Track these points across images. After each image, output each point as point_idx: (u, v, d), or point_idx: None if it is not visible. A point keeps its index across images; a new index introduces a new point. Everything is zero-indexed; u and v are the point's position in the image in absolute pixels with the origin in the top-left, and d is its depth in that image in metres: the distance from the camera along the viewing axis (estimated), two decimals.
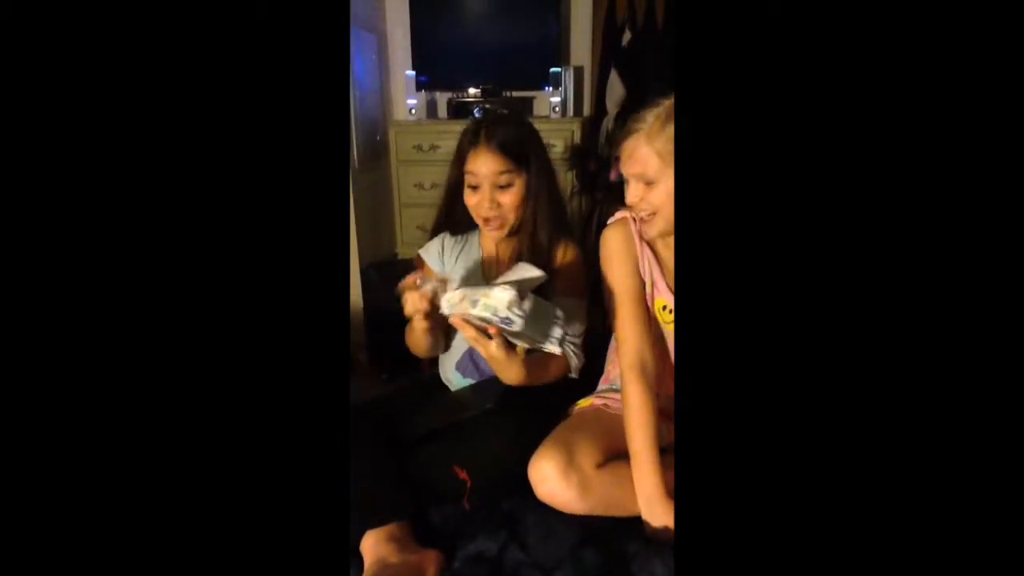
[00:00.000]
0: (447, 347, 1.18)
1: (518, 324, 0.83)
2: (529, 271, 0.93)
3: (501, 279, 0.90)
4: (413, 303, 0.97)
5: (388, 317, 1.27)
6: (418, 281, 0.96)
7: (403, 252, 2.32)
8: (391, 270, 2.13)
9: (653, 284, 1.05)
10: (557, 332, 0.85)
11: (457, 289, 0.91)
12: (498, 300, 0.84)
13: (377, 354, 2.11)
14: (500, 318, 0.84)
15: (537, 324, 0.84)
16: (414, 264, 1.26)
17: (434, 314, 0.98)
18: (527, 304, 0.84)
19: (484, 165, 1.08)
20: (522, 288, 0.85)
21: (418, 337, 1.10)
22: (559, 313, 0.86)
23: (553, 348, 0.85)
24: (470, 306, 0.86)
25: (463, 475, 0.94)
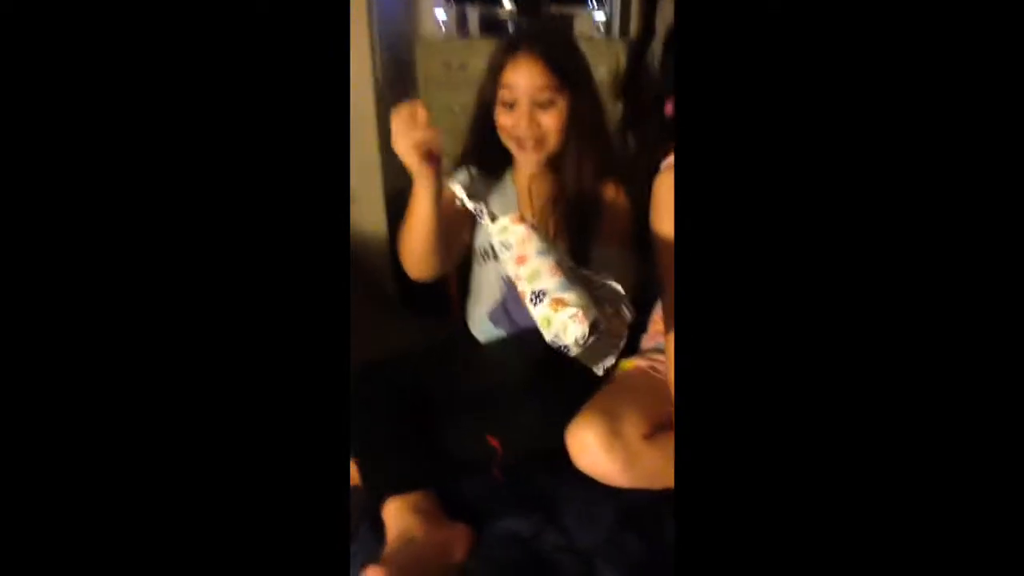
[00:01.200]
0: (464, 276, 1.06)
1: (574, 353, 0.70)
2: (611, 282, 0.77)
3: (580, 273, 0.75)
4: (412, 135, 0.73)
5: None
6: (467, 202, 0.78)
7: None
8: None
9: None
10: (610, 361, 0.73)
11: (521, 224, 0.75)
12: (564, 327, 0.68)
13: (405, 287, 2.03)
14: (558, 343, 0.69)
15: (593, 354, 0.72)
16: None
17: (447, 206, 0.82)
18: (593, 339, 0.68)
19: (524, 77, 0.94)
20: (597, 311, 0.70)
21: (419, 225, 0.84)
22: (620, 345, 0.74)
23: (597, 371, 0.74)
24: (527, 279, 0.72)
25: (495, 443, 0.86)
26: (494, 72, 0.97)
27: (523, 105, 0.95)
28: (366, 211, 1.97)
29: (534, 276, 0.73)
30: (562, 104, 0.96)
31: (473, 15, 2.20)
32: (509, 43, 0.97)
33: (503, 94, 0.96)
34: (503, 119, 0.98)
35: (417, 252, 0.90)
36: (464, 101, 1.96)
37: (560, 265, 0.74)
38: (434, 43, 2.06)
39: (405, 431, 0.88)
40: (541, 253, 0.74)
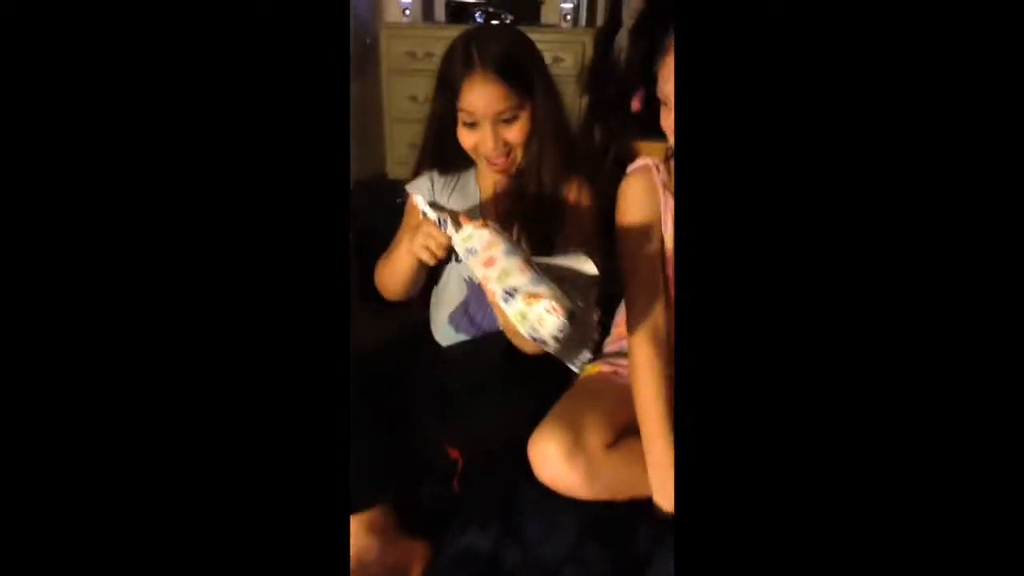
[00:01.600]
0: (430, 287, 1.04)
1: (551, 348, 0.69)
2: (582, 264, 0.76)
3: (546, 261, 0.73)
4: (428, 242, 0.80)
5: (377, 242, 1.14)
6: (430, 213, 0.79)
7: (393, 171, 2.14)
8: (380, 190, 1.97)
9: None
10: (586, 356, 0.72)
11: (485, 229, 0.75)
12: (540, 320, 0.66)
13: (366, 281, 1.98)
14: (536, 337, 0.68)
15: (571, 348, 0.70)
16: (404, 192, 1.10)
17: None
18: (570, 329, 0.67)
19: (483, 100, 0.88)
20: (571, 297, 0.69)
21: (403, 275, 0.94)
22: (595, 336, 0.72)
23: (575, 368, 0.72)
24: (497, 279, 0.70)
25: (455, 454, 0.83)
26: (449, 91, 0.91)
27: (485, 124, 0.90)
28: None
29: (504, 275, 0.71)
30: (525, 115, 0.92)
31: (439, 1, 2.14)
32: (463, 56, 0.89)
33: (463, 116, 0.91)
34: (466, 138, 0.93)
35: (391, 289, 1.00)
36: (428, 91, 1.92)
37: (529, 263, 0.73)
38: (399, 29, 2.00)
39: (361, 440, 0.84)
40: (508, 253, 0.73)
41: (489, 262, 0.73)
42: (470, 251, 0.75)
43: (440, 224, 0.79)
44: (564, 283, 0.72)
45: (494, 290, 0.71)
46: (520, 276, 0.70)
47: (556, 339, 0.67)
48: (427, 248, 0.81)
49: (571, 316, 0.67)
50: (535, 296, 0.68)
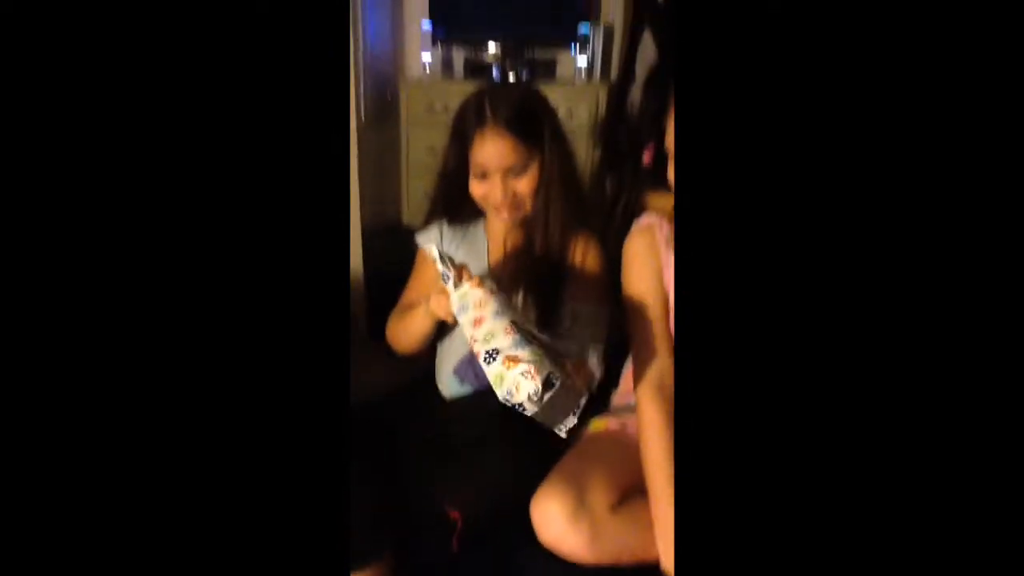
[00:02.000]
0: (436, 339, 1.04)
1: (530, 412, 0.69)
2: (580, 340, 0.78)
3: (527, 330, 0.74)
4: (444, 302, 0.82)
5: (390, 287, 1.15)
6: (438, 265, 0.80)
7: (409, 220, 2.17)
8: (395, 237, 1.99)
9: None
10: (571, 422, 0.71)
11: (479, 288, 0.76)
12: (516, 384, 0.67)
13: (378, 326, 1.98)
14: (511, 401, 0.68)
15: (552, 413, 0.70)
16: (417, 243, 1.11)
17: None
18: (548, 395, 0.67)
19: (494, 154, 0.91)
20: (553, 367, 0.69)
21: (419, 335, 0.95)
22: (581, 403, 0.72)
23: (559, 432, 0.72)
24: (482, 340, 0.71)
25: (454, 515, 0.81)
26: (461, 144, 0.94)
27: (495, 177, 0.93)
28: None
29: (489, 337, 0.72)
30: (534, 168, 0.94)
31: (458, 57, 2.20)
32: (475, 111, 0.92)
33: (474, 168, 0.94)
34: (476, 189, 0.96)
35: (405, 345, 1.00)
36: (446, 143, 1.96)
37: (515, 325, 0.73)
38: (419, 84, 2.06)
39: (362, 493, 0.82)
40: (497, 314, 0.74)
41: (477, 322, 0.74)
42: (463, 308, 0.77)
43: (444, 278, 0.80)
44: (552, 348, 0.72)
45: (478, 351, 0.72)
46: (503, 338, 0.71)
47: (532, 403, 0.67)
48: (444, 309, 0.83)
49: (548, 382, 0.67)
50: (514, 359, 0.68)
